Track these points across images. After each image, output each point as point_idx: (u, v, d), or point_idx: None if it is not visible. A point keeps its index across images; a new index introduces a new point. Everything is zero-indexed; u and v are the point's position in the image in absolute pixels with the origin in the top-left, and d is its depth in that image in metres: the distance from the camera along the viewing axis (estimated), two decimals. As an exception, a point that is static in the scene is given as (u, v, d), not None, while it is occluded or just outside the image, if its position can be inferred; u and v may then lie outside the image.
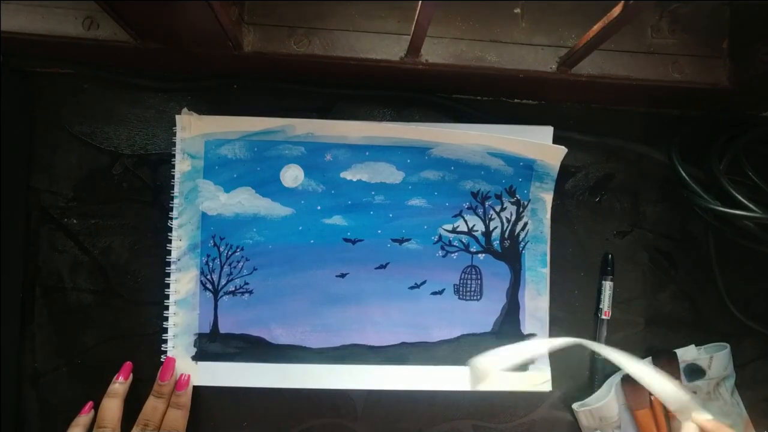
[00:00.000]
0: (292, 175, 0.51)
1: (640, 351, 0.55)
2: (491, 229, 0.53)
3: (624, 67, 0.46)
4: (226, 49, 0.44)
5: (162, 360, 0.50)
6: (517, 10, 0.46)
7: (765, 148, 0.53)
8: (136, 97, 0.52)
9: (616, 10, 0.35)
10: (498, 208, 0.53)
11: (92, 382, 0.52)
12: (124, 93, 0.52)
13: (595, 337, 0.54)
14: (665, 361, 0.53)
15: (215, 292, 0.51)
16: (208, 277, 0.51)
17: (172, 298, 0.50)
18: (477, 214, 0.52)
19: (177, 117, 0.50)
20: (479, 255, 0.53)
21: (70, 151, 0.52)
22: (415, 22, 0.38)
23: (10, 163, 0.49)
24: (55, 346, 0.52)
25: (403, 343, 0.52)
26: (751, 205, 0.48)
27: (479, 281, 0.53)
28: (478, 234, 0.53)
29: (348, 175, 0.51)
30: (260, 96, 0.52)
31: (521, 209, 0.53)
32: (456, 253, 0.53)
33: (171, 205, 0.50)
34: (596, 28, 0.38)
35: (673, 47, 0.46)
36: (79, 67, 0.51)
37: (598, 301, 0.54)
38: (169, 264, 0.50)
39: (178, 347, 0.50)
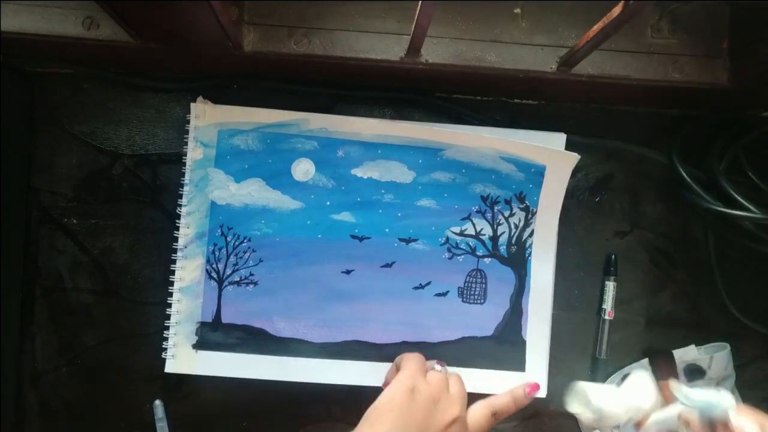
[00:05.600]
0: (303, 169, 0.51)
1: (639, 351, 0.55)
2: (499, 234, 0.53)
3: (624, 67, 0.46)
4: (226, 49, 0.44)
5: (163, 357, 0.50)
6: (517, 10, 0.46)
7: (765, 148, 0.53)
8: (136, 97, 0.52)
9: (616, 10, 0.35)
10: (507, 214, 0.52)
11: (92, 382, 0.52)
12: (124, 93, 0.52)
13: (596, 337, 0.54)
14: (662, 361, 0.53)
15: (220, 282, 0.51)
16: (214, 266, 0.51)
17: (176, 285, 0.50)
18: (485, 218, 0.52)
19: (191, 105, 0.50)
20: (485, 259, 0.53)
21: (70, 151, 0.52)
22: (415, 22, 0.38)
23: (10, 163, 0.49)
24: (55, 346, 0.52)
25: (404, 342, 0.52)
26: (750, 206, 0.48)
27: (484, 285, 0.53)
28: (485, 238, 0.53)
29: (359, 172, 0.51)
30: (260, 96, 0.52)
31: (530, 216, 0.52)
32: (462, 256, 0.53)
33: (180, 192, 0.50)
34: (596, 28, 0.38)
35: (673, 47, 0.46)
36: (79, 67, 0.51)
37: (601, 301, 0.54)
38: (168, 264, 0.50)
39: (180, 335, 0.50)
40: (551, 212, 0.52)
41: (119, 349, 0.52)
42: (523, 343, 0.53)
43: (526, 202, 0.52)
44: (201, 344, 0.51)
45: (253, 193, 0.51)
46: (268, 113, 0.50)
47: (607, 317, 0.54)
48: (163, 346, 0.50)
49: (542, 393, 0.52)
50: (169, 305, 0.50)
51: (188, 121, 0.50)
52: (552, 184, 0.51)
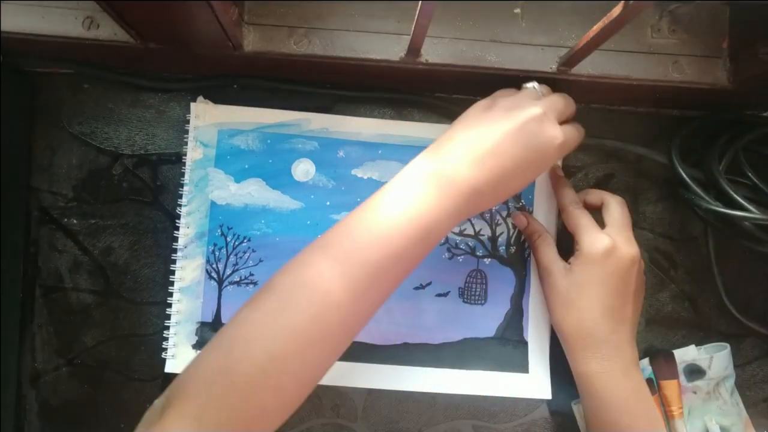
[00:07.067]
0: (303, 170, 0.51)
1: (640, 351, 0.54)
2: (497, 234, 0.53)
3: (624, 67, 0.46)
4: (226, 49, 0.44)
5: (164, 357, 0.50)
6: (517, 10, 0.46)
7: (765, 148, 0.53)
8: (136, 97, 0.52)
9: (616, 10, 0.35)
10: (504, 214, 0.52)
11: (92, 382, 0.52)
12: (124, 93, 0.52)
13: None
14: (663, 361, 0.53)
15: (220, 282, 0.51)
16: (214, 266, 0.51)
17: (176, 285, 0.50)
18: (484, 219, 0.52)
19: (192, 105, 0.50)
20: (485, 259, 0.53)
21: (70, 151, 0.52)
22: (415, 22, 0.38)
23: (10, 163, 0.49)
24: (55, 346, 0.52)
25: (405, 344, 0.52)
26: (750, 206, 0.48)
27: (484, 286, 0.53)
28: (484, 238, 0.53)
29: (359, 172, 0.52)
30: (260, 96, 0.52)
31: None
32: (462, 257, 0.52)
33: (180, 192, 0.50)
34: (596, 28, 0.38)
35: (673, 47, 0.46)
36: (79, 67, 0.51)
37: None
38: (168, 264, 0.50)
39: (180, 335, 0.50)
40: (549, 212, 0.52)
41: (119, 349, 0.52)
42: (525, 344, 0.53)
43: (522, 201, 0.52)
44: (201, 344, 0.51)
45: (253, 193, 0.51)
46: (269, 113, 0.50)
47: (607, 317, 0.53)
48: (163, 346, 0.50)
49: (545, 394, 0.52)
50: (169, 305, 0.50)
51: (188, 121, 0.50)
52: (545, 184, 0.51)
